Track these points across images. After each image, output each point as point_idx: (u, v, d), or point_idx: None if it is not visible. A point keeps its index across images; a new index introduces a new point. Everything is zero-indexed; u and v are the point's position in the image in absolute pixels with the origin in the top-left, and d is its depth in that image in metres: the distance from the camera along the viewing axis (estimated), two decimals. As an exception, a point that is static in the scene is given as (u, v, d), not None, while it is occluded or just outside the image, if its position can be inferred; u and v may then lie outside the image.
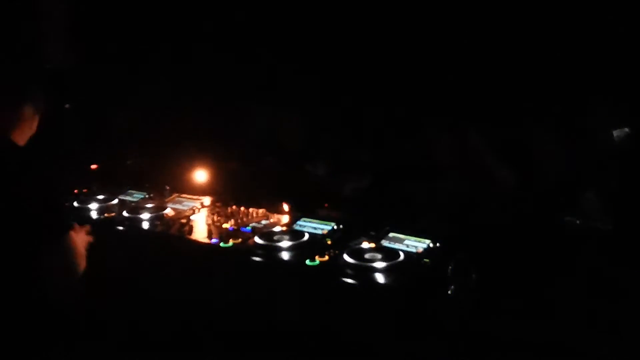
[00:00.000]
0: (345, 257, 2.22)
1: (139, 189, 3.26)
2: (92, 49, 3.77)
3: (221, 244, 2.46)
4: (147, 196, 3.17)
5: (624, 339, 1.95)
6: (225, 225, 2.67)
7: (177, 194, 3.17)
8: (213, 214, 2.83)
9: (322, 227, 2.59)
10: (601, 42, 2.63)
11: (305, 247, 2.38)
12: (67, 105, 3.59)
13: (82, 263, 2.06)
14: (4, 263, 1.94)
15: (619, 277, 2.24)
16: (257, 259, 2.36)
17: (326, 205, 2.83)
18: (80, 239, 2.15)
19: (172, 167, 3.35)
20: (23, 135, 2.15)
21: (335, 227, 2.59)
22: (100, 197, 3.07)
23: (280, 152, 3.54)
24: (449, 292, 2.10)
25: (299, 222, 2.68)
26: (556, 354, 1.96)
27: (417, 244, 2.38)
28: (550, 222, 2.57)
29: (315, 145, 3.47)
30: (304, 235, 2.46)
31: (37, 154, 2.10)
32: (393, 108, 3.23)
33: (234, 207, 2.88)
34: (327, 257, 2.26)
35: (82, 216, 2.85)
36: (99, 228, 2.79)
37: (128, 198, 3.16)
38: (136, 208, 2.92)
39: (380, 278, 2.13)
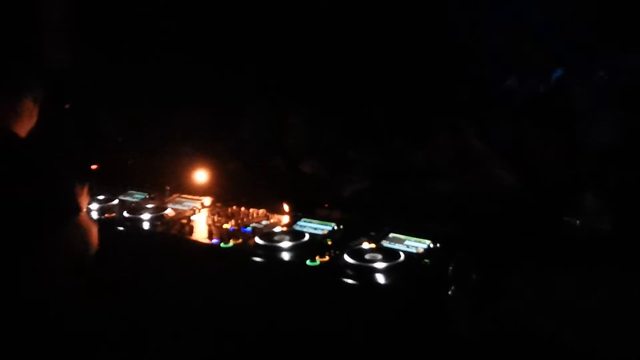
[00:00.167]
0: (346, 257, 2.22)
1: (140, 189, 3.26)
2: (92, 48, 3.77)
3: (221, 245, 2.46)
4: (147, 196, 3.17)
5: (624, 339, 1.95)
6: (225, 226, 2.67)
7: (177, 194, 3.17)
8: (213, 215, 2.83)
9: (323, 228, 2.60)
10: (602, 44, 2.63)
11: (305, 248, 2.38)
12: (67, 105, 3.59)
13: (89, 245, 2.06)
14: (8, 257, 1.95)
15: (619, 278, 2.24)
16: (258, 259, 2.36)
17: (326, 205, 2.83)
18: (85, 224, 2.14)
19: (172, 168, 3.36)
20: (23, 133, 2.15)
21: (335, 227, 2.59)
22: (101, 197, 3.07)
23: (281, 152, 3.55)
24: (449, 292, 2.10)
25: (299, 223, 2.69)
26: (556, 354, 1.96)
27: (417, 245, 2.38)
28: (550, 223, 2.57)
29: (316, 146, 3.47)
30: (304, 236, 2.46)
31: (39, 152, 2.10)
32: (393, 108, 3.24)
33: (234, 207, 2.88)
34: (327, 258, 2.26)
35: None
36: (100, 228, 2.80)
37: (128, 198, 3.16)
38: (136, 208, 2.92)
39: (380, 278, 2.13)
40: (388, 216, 2.69)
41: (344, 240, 2.46)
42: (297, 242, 2.42)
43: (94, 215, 2.90)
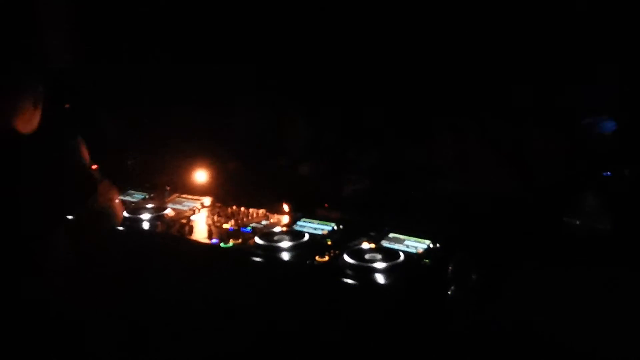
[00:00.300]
0: (346, 257, 2.22)
1: (139, 189, 3.26)
2: (92, 48, 3.77)
3: (221, 244, 2.46)
4: (147, 196, 3.17)
5: (624, 339, 1.95)
6: (225, 226, 2.67)
7: (177, 194, 3.18)
8: (213, 215, 2.84)
9: (322, 228, 2.60)
10: (602, 44, 2.63)
11: (305, 248, 2.38)
12: (67, 105, 3.59)
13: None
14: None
15: (619, 278, 2.24)
16: (257, 259, 2.36)
17: (326, 205, 2.83)
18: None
19: (172, 168, 3.36)
20: (23, 133, 2.15)
21: (335, 227, 2.59)
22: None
23: (281, 152, 3.54)
24: (449, 292, 2.11)
25: (299, 223, 2.69)
26: (556, 354, 1.96)
27: (417, 245, 2.38)
28: (550, 223, 2.57)
29: (316, 146, 3.47)
30: (304, 236, 2.46)
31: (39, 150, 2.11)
32: (393, 108, 3.23)
33: (234, 207, 2.89)
34: (327, 258, 2.27)
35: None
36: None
37: (128, 198, 3.16)
38: (136, 208, 2.92)
39: (380, 278, 2.13)
40: (388, 216, 2.69)
41: (343, 240, 2.46)
42: (297, 242, 2.42)
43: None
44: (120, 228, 2.75)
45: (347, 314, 2.13)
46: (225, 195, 3.08)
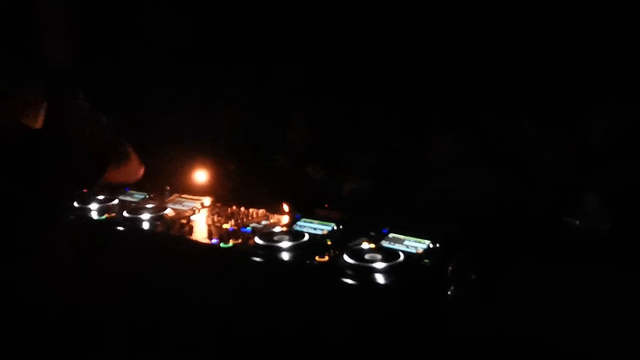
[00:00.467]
0: (345, 257, 2.22)
1: (139, 189, 3.26)
2: (92, 48, 3.77)
3: (221, 245, 2.46)
4: (147, 196, 3.17)
5: (624, 339, 1.96)
6: (225, 226, 2.67)
7: (177, 194, 3.18)
8: (213, 215, 2.83)
9: (322, 228, 2.60)
10: (601, 44, 2.63)
11: (305, 248, 2.38)
12: (65, 106, 3.59)
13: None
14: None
15: (618, 278, 2.24)
16: (257, 259, 2.36)
17: (326, 205, 2.83)
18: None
19: (172, 168, 3.36)
20: (25, 132, 2.16)
21: (335, 227, 2.59)
22: (101, 197, 3.07)
23: (281, 152, 3.55)
24: (449, 292, 2.11)
25: (299, 223, 2.69)
26: (556, 354, 1.96)
27: (417, 245, 2.38)
28: (550, 223, 2.58)
29: (316, 146, 3.47)
30: (304, 236, 2.46)
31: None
32: (394, 108, 3.24)
33: (234, 207, 2.89)
34: (327, 258, 2.27)
35: (83, 216, 2.86)
36: (100, 228, 2.81)
37: (128, 198, 3.16)
38: (136, 208, 2.92)
39: (380, 279, 2.13)
40: (388, 216, 2.69)
41: (343, 240, 2.46)
42: (297, 242, 2.42)
43: (94, 215, 2.90)
44: (121, 228, 2.76)
45: (347, 314, 2.14)
46: (225, 195, 3.08)
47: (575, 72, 2.72)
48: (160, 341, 2.51)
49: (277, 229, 2.60)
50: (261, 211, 2.85)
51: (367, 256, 2.24)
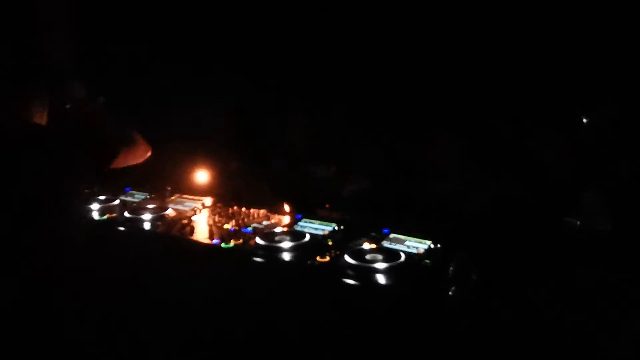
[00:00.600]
0: (346, 258, 2.22)
1: (140, 189, 3.27)
2: (93, 48, 3.77)
3: (222, 245, 2.47)
4: (148, 197, 3.18)
5: (624, 339, 1.96)
6: (226, 226, 2.68)
7: (178, 195, 3.18)
8: (214, 215, 2.84)
9: (323, 228, 2.60)
10: (601, 44, 2.64)
11: (306, 248, 2.39)
12: (67, 106, 3.59)
13: None
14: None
15: (619, 278, 2.25)
16: (258, 259, 2.36)
17: (327, 206, 2.83)
18: None
19: (173, 168, 3.36)
20: (26, 132, 2.17)
21: (336, 227, 2.60)
22: (102, 197, 3.08)
23: (282, 152, 3.55)
24: (450, 292, 2.11)
25: (300, 223, 2.69)
26: (556, 354, 1.97)
27: (417, 245, 2.38)
28: (550, 223, 2.58)
29: (317, 146, 3.47)
30: (305, 236, 2.47)
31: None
32: (395, 108, 3.24)
33: (235, 207, 2.89)
34: (328, 258, 2.27)
35: (84, 216, 2.87)
36: (101, 229, 2.81)
37: (129, 199, 3.17)
38: (137, 209, 2.93)
39: (381, 279, 2.14)
40: (389, 216, 2.69)
41: (344, 240, 2.46)
42: (298, 242, 2.42)
43: (95, 215, 2.90)
44: (122, 228, 2.76)
45: (347, 314, 2.14)
46: (226, 195, 3.08)
47: (575, 72, 2.72)
48: (161, 341, 2.51)
49: (278, 229, 2.60)
50: (262, 211, 2.85)
51: (368, 256, 2.25)
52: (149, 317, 2.53)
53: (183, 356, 2.51)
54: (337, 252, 2.30)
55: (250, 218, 2.80)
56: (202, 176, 3.26)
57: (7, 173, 2.05)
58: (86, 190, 3.19)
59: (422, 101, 3.18)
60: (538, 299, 2.20)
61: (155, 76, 3.67)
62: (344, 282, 2.14)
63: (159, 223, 2.75)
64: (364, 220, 2.67)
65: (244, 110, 3.69)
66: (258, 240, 2.45)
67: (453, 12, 2.99)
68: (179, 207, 3.00)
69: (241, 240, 2.49)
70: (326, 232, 2.56)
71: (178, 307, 2.48)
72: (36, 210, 2.05)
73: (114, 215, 2.89)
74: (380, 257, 2.24)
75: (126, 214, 2.84)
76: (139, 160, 2.48)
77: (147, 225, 2.76)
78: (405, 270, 2.18)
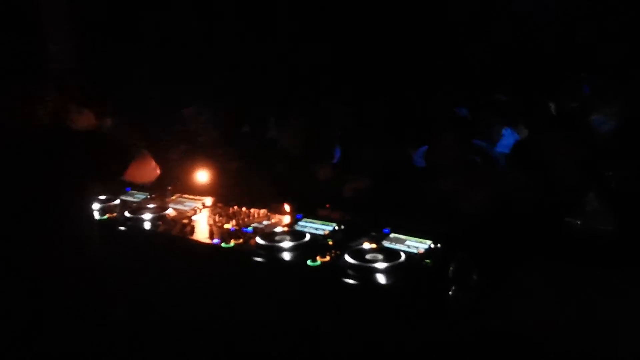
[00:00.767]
0: (347, 257, 2.22)
1: (141, 189, 3.26)
2: (94, 49, 3.78)
3: (222, 245, 2.47)
4: (148, 196, 3.17)
5: (624, 339, 1.96)
6: (226, 226, 2.68)
7: (178, 194, 3.18)
8: (214, 215, 2.84)
9: (324, 228, 2.60)
10: (605, 46, 2.63)
11: (306, 248, 2.38)
12: (68, 106, 3.60)
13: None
14: None
15: (620, 278, 2.24)
16: (259, 259, 2.36)
17: (327, 205, 2.83)
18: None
19: (173, 168, 3.36)
20: (27, 132, 2.17)
21: (336, 227, 2.59)
22: (102, 197, 3.08)
23: (282, 152, 3.55)
24: (450, 292, 2.11)
25: (300, 223, 2.69)
26: (557, 354, 1.96)
27: (418, 245, 2.38)
28: (551, 223, 2.58)
29: (317, 146, 3.48)
30: (305, 236, 2.47)
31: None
32: (394, 109, 3.24)
33: (235, 207, 2.89)
34: (328, 258, 2.27)
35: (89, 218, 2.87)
36: (101, 228, 2.81)
37: (130, 198, 3.16)
38: (138, 208, 2.93)
39: (381, 279, 2.13)
40: (389, 216, 2.69)
41: (345, 240, 2.46)
42: (298, 242, 2.42)
43: (95, 215, 2.90)
44: (122, 228, 2.76)
45: (348, 314, 2.14)
46: (226, 195, 3.08)
47: (578, 72, 2.72)
48: (161, 341, 2.51)
49: (278, 229, 2.60)
50: (262, 211, 2.85)
51: (368, 256, 2.24)
52: (149, 317, 2.53)
53: (183, 356, 2.50)
54: (338, 252, 2.29)
55: (251, 218, 2.80)
56: (202, 176, 3.26)
57: (7, 173, 2.05)
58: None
59: (422, 101, 3.18)
60: (538, 298, 2.20)
61: (157, 76, 3.68)
62: (344, 281, 2.14)
63: (160, 223, 2.75)
64: (364, 220, 2.66)
65: (244, 110, 3.70)
66: (258, 240, 2.45)
67: (456, 10, 2.98)
68: (180, 206, 3.00)
69: (241, 240, 2.49)
70: (326, 232, 2.56)
71: (178, 306, 2.48)
72: (36, 210, 2.05)
73: (115, 215, 2.89)
74: (380, 256, 2.23)
75: (126, 214, 2.84)
76: (144, 178, 2.44)
77: (147, 225, 2.76)
78: (406, 270, 2.18)
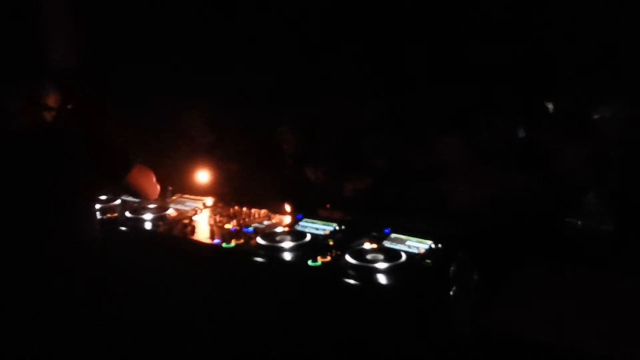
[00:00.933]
0: (347, 257, 2.22)
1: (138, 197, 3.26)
2: (95, 49, 3.78)
3: (223, 245, 2.47)
4: (149, 196, 3.17)
5: (624, 339, 1.96)
6: (227, 226, 2.68)
7: (179, 195, 3.18)
8: (215, 215, 2.84)
9: (324, 228, 2.60)
10: (610, 47, 2.64)
11: (307, 248, 2.39)
12: (69, 106, 3.60)
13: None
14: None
15: (619, 278, 2.25)
16: (259, 259, 2.36)
17: (328, 206, 2.83)
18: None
19: (174, 168, 3.36)
20: (28, 132, 2.17)
21: (337, 227, 2.60)
22: (103, 197, 3.08)
23: (283, 153, 3.55)
24: (451, 292, 2.11)
25: (301, 223, 2.69)
26: (556, 354, 1.97)
27: (418, 245, 2.38)
28: (551, 223, 2.58)
29: (318, 146, 3.48)
30: (305, 236, 2.47)
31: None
32: (395, 109, 3.24)
33: (236, 207, 2.89)
34: (329, 258, 2.27)
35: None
36: (102, 229, 2.81)
37: (130, 198, 3.16)
38: (139, 208, 2.93)
39: (382, 279, 2.14)
40: (390, 217, 2.69)
41: (345, 240, 2.46)
42: (299, 242, 2.42)
43: (97, 215, 2.90)
44: (123, 228, 2.76)
45: (348, 314, 2.14)
46: (227, 195, 3.08)
47: (580, 73, 2.73)
48: (162, 341, 2.51)
49: (279, 229, 2.60)
50: (263, 211, 2.85)
51: (369, 256, 2.25)
52: (150, 316, 2.53)
53: (183, 356, 2.51)
54: (338, 252, 2.30)
55: (251, 218, 2.80)
56: (203, 176, 3.26)
57: (7, 173, 2.06)
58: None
59: (423, 101, 3.18)
60: (539, 298, 2.20)
61: (157, 76, 3.68)
62: (345, 282, 2.14)
63: (160, 223, 2.75)
64: (364, 220, 2.67)
65: (245, 110, 3.70)
66: (259, 240, 2.45)
67: (457, 10, 2.99)
68: (180, 207, 3.00)
69: (242, 240, 2.50)
70: (327, 232, 2.56)
71: (179, 306, 2.48)
72: (36, 210, 2.05)
73: (115, 215, 2.89)
74: (381, 257, 2.24)
75: (127, 214, 2.84)
76: (145, 194, 2.43)
77: (148, 225, 2.77)
78: (406, 270, 2.18)
